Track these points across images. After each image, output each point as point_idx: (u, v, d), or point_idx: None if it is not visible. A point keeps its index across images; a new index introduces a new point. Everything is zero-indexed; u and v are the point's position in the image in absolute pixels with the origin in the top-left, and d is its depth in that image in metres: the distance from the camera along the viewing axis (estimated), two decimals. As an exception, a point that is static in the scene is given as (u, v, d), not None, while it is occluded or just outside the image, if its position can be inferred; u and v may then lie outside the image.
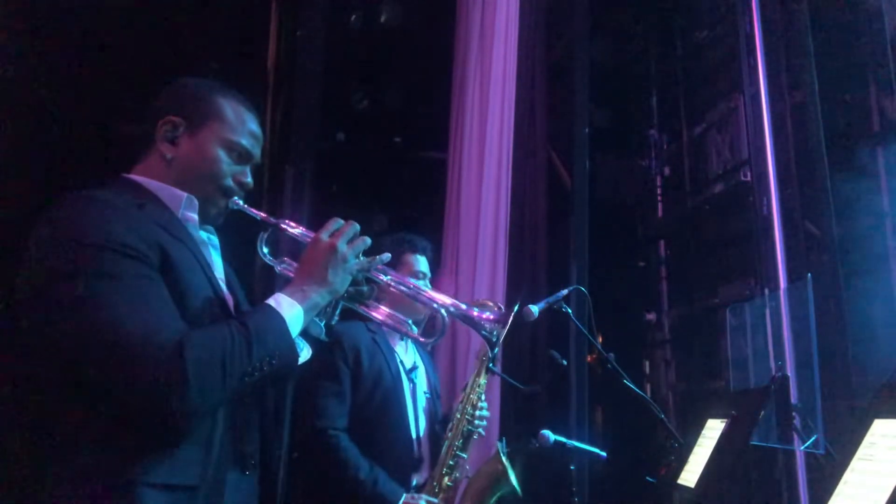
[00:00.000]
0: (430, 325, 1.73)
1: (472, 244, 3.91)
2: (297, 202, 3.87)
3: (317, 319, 1.55)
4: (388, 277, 1.61)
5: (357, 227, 1.52)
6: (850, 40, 3.89)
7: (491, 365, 2.47)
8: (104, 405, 1.24)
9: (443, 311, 1.57)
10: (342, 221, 1.53)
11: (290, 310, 1.39)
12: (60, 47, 3.64)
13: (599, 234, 4.37)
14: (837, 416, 3.34)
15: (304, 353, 1.48)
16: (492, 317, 1.60)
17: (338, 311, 1.58)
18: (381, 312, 1.66)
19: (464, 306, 1.60)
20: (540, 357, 4.31)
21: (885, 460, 1.32)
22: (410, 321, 1.74)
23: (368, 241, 1.53)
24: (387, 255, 1.62)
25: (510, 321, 1.59)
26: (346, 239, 1.49)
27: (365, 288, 1.58)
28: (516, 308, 1.66)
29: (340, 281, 1.48)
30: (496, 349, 1.65)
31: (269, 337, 1.33)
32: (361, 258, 1.53)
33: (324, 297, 1.46)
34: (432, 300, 1.61)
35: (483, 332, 1.59)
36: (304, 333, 1.52)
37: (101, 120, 3.68)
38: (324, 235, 1.49)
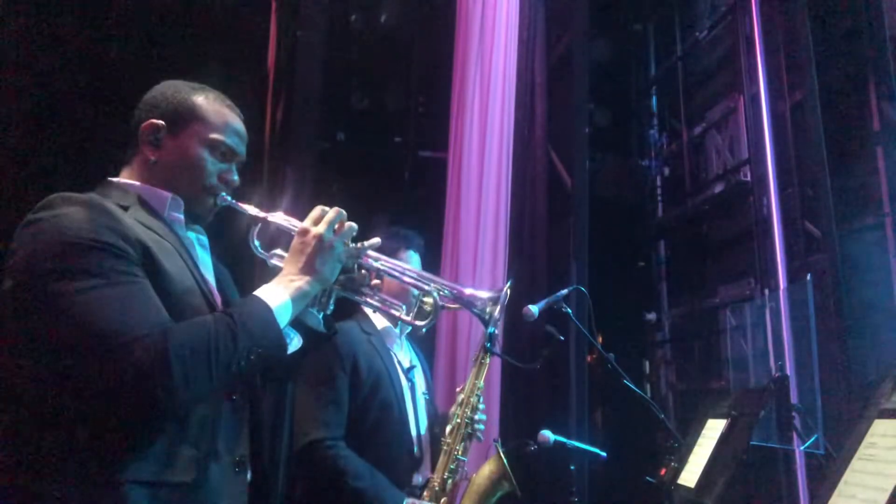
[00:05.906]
0: (421, 311, 1.71)
1: (472, 244, 3.91)
2: (297, 202, 3.86)
3: (314, 311, 1.55)
4: (379, 263, 1.59)
5: (343, 213, 1.51)
6: (850, 40, 3.88)
7: (488, 345, 2.39)
8: (91, 402, 1.23)
9: (435, 292, 1.57)
10: (327, 209, 1.52)
11: (276, 299, 1.39)
12: (58, 47, 3.64)
13: (599, 234, 4.37)
14: (837, 416, 3.34)
15: (294, 343, 1.47)
16: (485, 295, 1.58)
17: (332, 301, 1.57)
18: (375, 299, 1.64)
19: (456, 286, 1.60)
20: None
21: (885, 460, 1.32)
22: (404, 305, 1.72)
23: (355, 227, 1.52)
24: (376, 240, 1.60)
25: (504, 297, 1.57)
26: (332, 226, 1.49)
27: (356, 275, 1.57)
28: (509, 283, 1.64)
29: (329, 269, 1.47)
30: (492, 328, 1.62)
31: (255, 326, 1.32)
32: (350, 245, 1.52)
33: (313, 287, 1.46)
34: (425, 281, 1.60)
35: (475, 310, 1.57)
36: (304, 326, 1.52)
37: (100, 121, 3.68)
38: (309, 224, 1.49)
